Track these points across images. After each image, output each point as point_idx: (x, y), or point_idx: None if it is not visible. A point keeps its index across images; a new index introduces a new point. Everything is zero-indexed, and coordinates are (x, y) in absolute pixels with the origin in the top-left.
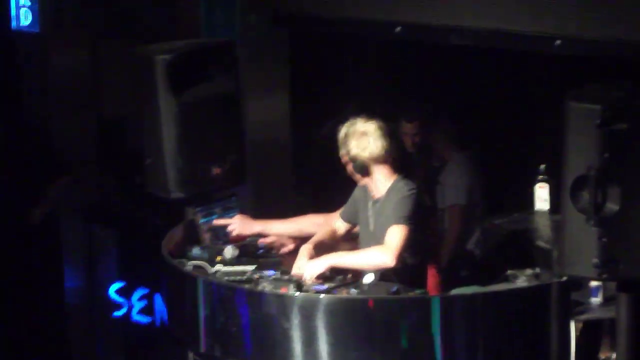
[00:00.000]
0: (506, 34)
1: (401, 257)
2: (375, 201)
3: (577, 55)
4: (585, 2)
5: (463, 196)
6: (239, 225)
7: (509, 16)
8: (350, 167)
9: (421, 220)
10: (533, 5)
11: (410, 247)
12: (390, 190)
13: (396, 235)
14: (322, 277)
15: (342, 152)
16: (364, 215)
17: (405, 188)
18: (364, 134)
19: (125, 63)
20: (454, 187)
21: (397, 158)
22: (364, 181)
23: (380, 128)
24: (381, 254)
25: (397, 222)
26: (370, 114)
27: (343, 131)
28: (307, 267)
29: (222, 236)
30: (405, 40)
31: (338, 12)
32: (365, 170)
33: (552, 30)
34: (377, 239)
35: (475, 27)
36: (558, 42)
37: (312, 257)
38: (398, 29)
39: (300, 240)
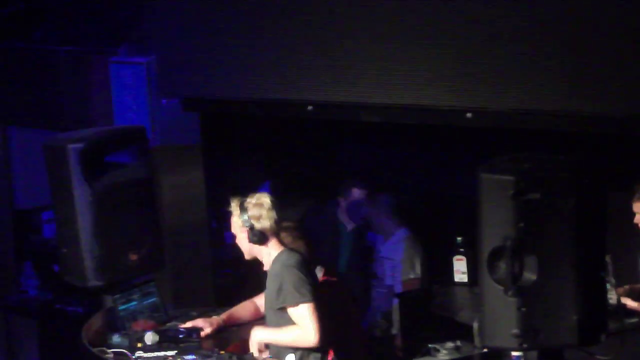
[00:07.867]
0: (416, 109)
1: (323, 334)
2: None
3: (488, 127)
4: (494, 75)
5: (419, 269)
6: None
7: (419, 91)
8: (245, 236)
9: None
10: (443, 80)
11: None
12: (274, 262)
13: (305, 314)
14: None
15: (237, 221)
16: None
17: (290, 259)
18: (259, 205)
19: (38, 153)
20: (407, 262)
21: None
22: (252, 254)
23: (272, 201)
24: (304, 338)
25: (302, 301)
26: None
27: (238, 202)
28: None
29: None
30: (317, 118)
31: (249, 94)
32: (263, 238)
33: (462, 103)
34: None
35: (385, 103)
36: (469, 114)
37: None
38: (310, 107)
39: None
